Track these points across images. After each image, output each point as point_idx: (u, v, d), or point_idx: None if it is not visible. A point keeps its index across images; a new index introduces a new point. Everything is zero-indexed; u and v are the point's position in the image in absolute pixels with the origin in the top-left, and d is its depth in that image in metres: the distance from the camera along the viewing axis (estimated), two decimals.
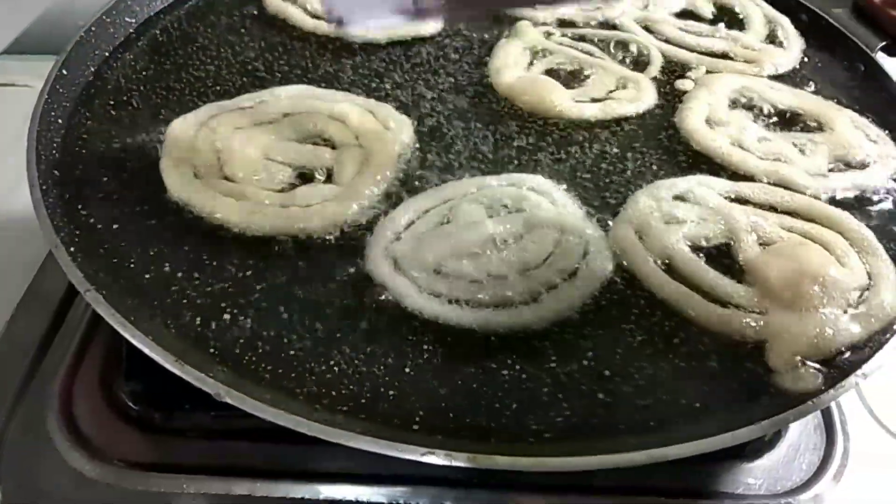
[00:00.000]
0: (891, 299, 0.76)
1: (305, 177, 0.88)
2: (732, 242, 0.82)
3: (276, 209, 0.82)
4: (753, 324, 0.74)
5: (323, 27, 1.11)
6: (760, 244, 0.81)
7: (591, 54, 1.08)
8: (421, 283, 0.76)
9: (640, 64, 1.09)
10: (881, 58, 1.10)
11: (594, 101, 1.00)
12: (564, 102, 0.99)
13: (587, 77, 1.05)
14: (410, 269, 0.77)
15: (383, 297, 0.76)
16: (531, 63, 1.07)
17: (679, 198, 0.86)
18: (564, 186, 0.88)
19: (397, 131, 0.93)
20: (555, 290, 0.76)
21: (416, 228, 0.81)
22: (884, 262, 0.81)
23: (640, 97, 1.01)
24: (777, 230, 0.83)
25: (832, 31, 1.15)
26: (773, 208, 0.86)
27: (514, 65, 1.05)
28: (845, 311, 0.75)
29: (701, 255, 0.81)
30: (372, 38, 1.09)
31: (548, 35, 1.12)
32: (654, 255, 0.80)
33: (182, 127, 0.91)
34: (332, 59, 1.07)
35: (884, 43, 1.11)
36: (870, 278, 0.79)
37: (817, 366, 0.72)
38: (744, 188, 0.88)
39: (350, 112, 0.93)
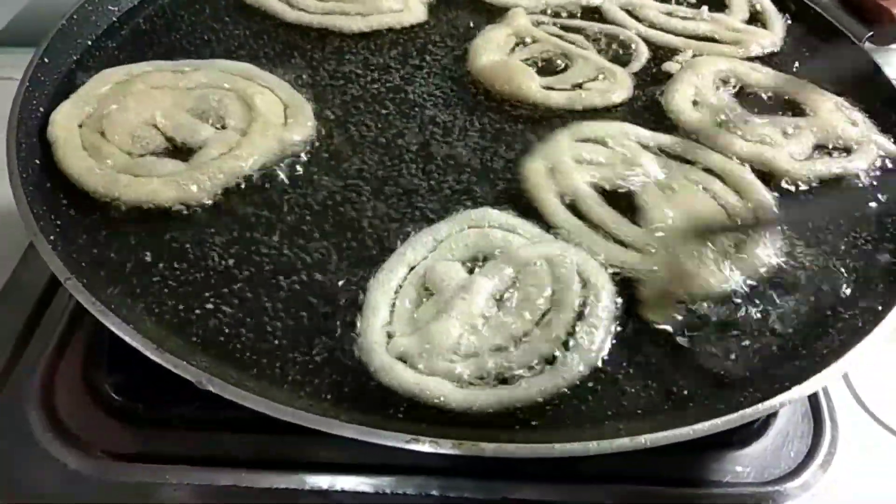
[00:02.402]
0: (763, 255, 0.81)
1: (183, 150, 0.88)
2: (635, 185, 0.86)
3: (107, 172, 0.82)
4: (644, 263, 0.77)
5: (304, 17, 1.10)
6: (662, 189, 0.86)
7: (577, 45, 1.08)
8: (447, 374, 0.68)
9: (625, 56, 1.08)
10: (868, 47, 1.10)
11: (565, 90, 1.00)
12: (532, 87, 0.98)
13: (568, 66, 1.04)
14: (426, 363, 0.68)
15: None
16: (513, 49, 1.07)
17: (597, 141, 0.90)
18: (512, 211, 0.83)
19: (291, 128, 0.90)
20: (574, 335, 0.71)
21: (401, 313, 0.73)
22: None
23: (613, 89, 1.00)
24: (680, 180, 0.87)
25: (820, 20, 1.15)
26: (679, 158, 0.91)
27: (495, 49, 1.05)
28: (725, 258, 0.79)
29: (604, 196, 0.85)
30: (357, 28, 1.09)
31: (537, 24, 1.11)
32: (560, 191, 0.83)
33: (108, 75, 0.93)
34: (314, 48, 1.06)
35: (871, 33, 1.11)
36: (750, 231, 0.83)
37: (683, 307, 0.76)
38: (663, 139, 0.92)
39: (259, 96, 0.92)
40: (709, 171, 0.90)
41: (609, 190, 0.86)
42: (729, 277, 0.77)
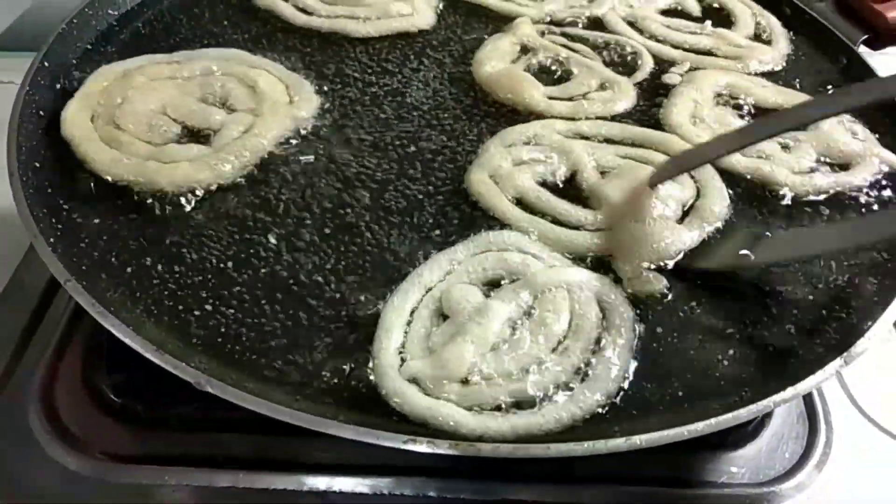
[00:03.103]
0: (718, 207, 0.85)
1: (199, 135, 0.90)
2: (576, 174, 0.88)
3: (136, 161, 0.84)
4: (598, 241, 0.80)
5: (314, 22, 1.10)
6: (601, 172, 0.88)
7: (582, 55, 1.08)
8: (460, 399, 0.66)
9: (629, 67, 1.08)
10: (863, 51, 1.11)
11: (569, 99, 1.00)
12: (536, 97, 0.99)
13: (571, 76, 1.04)
14: (439, 387, 0.67)
15: None
16: (518, 58, 1.07)
17: (526, 142, 0.92)
18: (535, 234, 0.81)
19: (298, 106, 0.94)
20: (591, 364, 0.70)
21: (415, 336, 0.71)
22: (711, 175, 0.89)
23: (616, 99, 1.00)
24: (615, 158, 0.90)
25: (815, 24, 1.15)
26: (609, 140, 0.94)
27: (499, 58, 1.05)
28: (680, 221, 0.83)
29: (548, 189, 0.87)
30: (365, 32, 1.09)
31: (543, 33, 1.12)
32: (507, 194, 0.85)
33: (106, 72, 0.95)
34: (317, 51, 1.07)
35: (865, 36, 1.12)
36: (698, 191, 0.87)
37: (657, 270, 0.79)
38: (581, 126, 0.95)
39: (261, 77, 0.96)
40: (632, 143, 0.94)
41: (556, 183, 0.88)
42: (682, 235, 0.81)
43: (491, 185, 0.86)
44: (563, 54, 1.07)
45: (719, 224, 0.84)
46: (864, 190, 0.91)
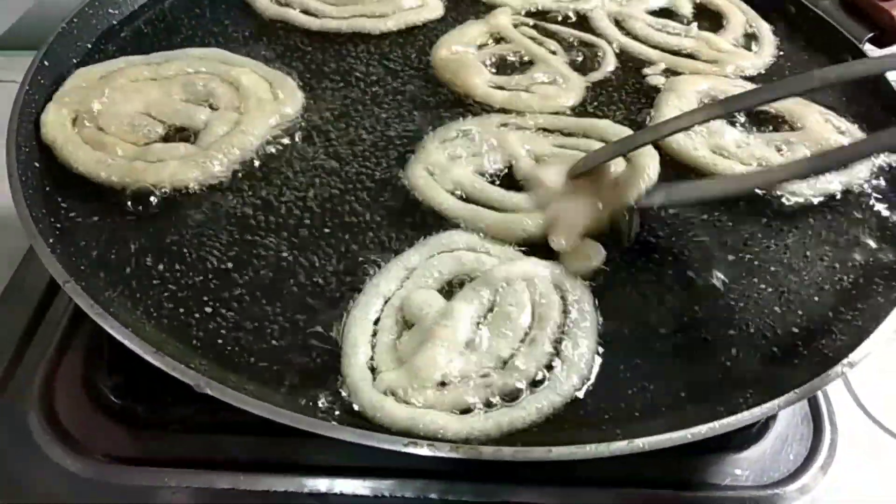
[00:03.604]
0: (652, 171, 0.86)
1: (184, 134, 0.90)
2: (512, 164, 0.88)
3: (122, 161, 0.84)
4: (531, 221, 0.81)
5: (330, 24, 1.09)
6: (536, 160, 0.89)
7: (549, 49, 1.07)
8: (439, 404, 0.66)
9: (591, 65, 1.07)
10: (868, 49, 1.10)
11: (512, 90, 1.00)
12: (477, 83, 0.99)
13: (529, 69, 1.04)
14: (416, 396, 0.66)
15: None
16: (483, 46, 1.08)
17: (463, 134, 0.92)
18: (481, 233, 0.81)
19: (283, 102, 0.94)
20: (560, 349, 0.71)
21: (383, 347, 0.71)
22: (646, 152, 0.88)
23: (559, 95, 0.99)
24: (550, 148, 0.91)
25: (820, 22, 1.14)
26: (544, 130, 0.94)
27: (463, 43, 1.06)
28: (612, 189, 0.84)
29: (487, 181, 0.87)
30: (385, 28, 1.09)
31: (517, 24, 1.12)
32: (446, 188, 0.85)
33: (86, 74, 0.94)
34: (318, 49, 1.06)
35: (871, 34, 1.11)
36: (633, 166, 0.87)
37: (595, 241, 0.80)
38: (515, 119, 0.95)
39: (243, 76, 0.95)
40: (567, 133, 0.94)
41: (493, 174, 0.88)
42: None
43: (429, 180, 0.86)
44: (527, 47, 1.07)
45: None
46: (865, 184, 0.91)
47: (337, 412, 0.66)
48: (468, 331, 0.71)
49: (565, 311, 0.74)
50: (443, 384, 0.67)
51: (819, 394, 0.87)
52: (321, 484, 0.77)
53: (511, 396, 0.67)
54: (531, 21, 1.13)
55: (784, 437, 0.84)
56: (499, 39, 1.09)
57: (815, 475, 0.81)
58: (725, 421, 0.63)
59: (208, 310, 0.73)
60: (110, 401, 0.82)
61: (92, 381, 0.84)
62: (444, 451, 0.60)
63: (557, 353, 0.71)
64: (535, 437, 0.66)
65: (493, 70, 1.04)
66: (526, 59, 1.06)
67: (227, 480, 0.76)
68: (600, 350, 0.72)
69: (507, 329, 0.71)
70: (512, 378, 0.68)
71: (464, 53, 1.05)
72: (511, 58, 1.06)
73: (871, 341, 0.71)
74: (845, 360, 0.69)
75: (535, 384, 0.69)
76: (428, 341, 0.69)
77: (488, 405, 0.67)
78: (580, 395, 0.69)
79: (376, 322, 0.73)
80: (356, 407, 0.66)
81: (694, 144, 0.94)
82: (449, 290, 0.76)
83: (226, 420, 0.78)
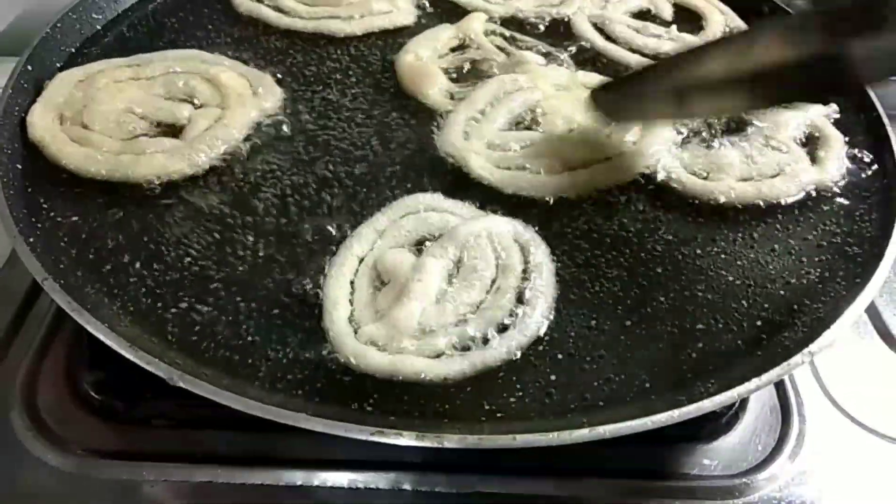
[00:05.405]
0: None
1: (168, 130, 0.93)
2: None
3: (109, 155, 0.87)
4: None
5: (297, 23, 1.11)
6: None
7: (516, 59, 1.06)
8: (417, 351, 0.71)
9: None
10: None
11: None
12: (431, 91, 1.01)
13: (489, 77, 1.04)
14: (396, 345, 0.71)
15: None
16: (453, 51, 1.09)
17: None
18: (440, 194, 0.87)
19: (262, 97, 0.97)
20: (524, 295, 0.77)
21: (361, 304, 0.76)
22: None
23: None
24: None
25: None
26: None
27: (431, 49, 1.07)
28: None
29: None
30: (350, 31, 1.11)
31: (488, 32, 1.12)
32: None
33: (68, 77, 0.97)
34: (303, 51, 1.08)
35: None
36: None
37: None
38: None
39: (222, 73, 0.98)
40: None
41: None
42: None
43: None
44: (497, 58, 1.07)
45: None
46: (834, 183, 0.93)
47: (310, 404, 0.68)
48: (439, 283, 0.76)
49: (526, 261, 0.80)
50: (421, 334, 0.73)
51: (787, 385, 0.88)
52: (298, 476, 0.78)
53: (482, 340, 0.73)
54: (505, 31, 1.13)
55: (753, 427, 0.85)
56: (463, 45, 1.10)
57: (782, 464, 0.82)
58: (684, 409, 0.64)
59: (184, 305, 0.75)
60: (91, 396, 0.84)
61: (73, 377, 0.85)
62: (410, 440, 0.62)
63: (521, 300, 0.76)
64: (502, 425, 0.67)
65: (454, 77, 1.04)
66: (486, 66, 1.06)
67: (206, 473, 0.78)
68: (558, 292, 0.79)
69: (474, 280, 0.77)
70: (482, 324, 0.74)
71: (425, 62, 1.05)
72: (482, 67, 1.06)
73: (831, 332, 0.73)
74: (805, 350, 0.71)
75: (503, 329, 0.74)
76: (403, 296, 0.74)
77: (464, 349, 0.72)
78: (551, 379, 0.72)
79: (352, 283, 0.77)
80: (341, 359, 0.71)
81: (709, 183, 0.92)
82: (419, 249, 0.80)
83: (204, 414, 0.80)
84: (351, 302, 0.76)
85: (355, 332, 0.73)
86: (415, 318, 0.73)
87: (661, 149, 0.93)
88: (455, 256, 0.79)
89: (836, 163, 0.94)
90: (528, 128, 0.97)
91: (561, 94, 1.00)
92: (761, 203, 0.90)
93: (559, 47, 1.10)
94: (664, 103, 0.88)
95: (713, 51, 0.84)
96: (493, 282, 0.77)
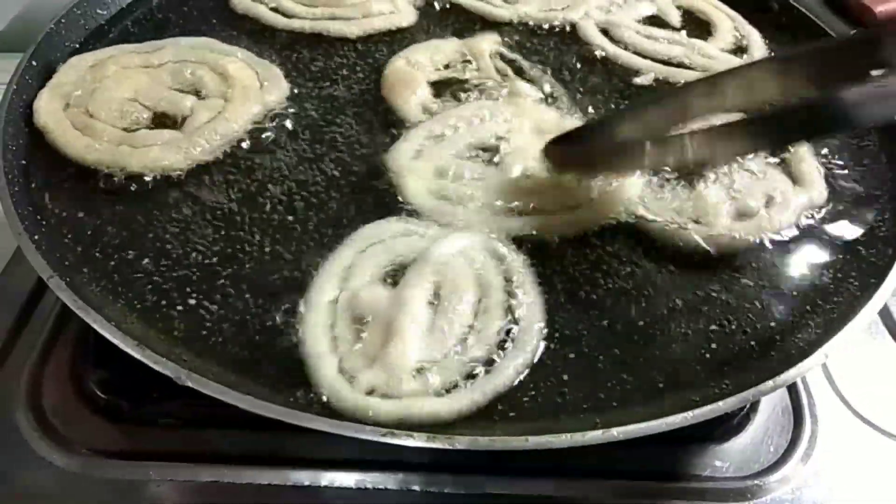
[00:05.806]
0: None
1: (171, 121, 0.92)
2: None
3: (108, 145, 0.86)
4: None
5: (295, 24, 1.10)
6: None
7: (509, 89, 1.01)
8: (422, 390, 0.67)
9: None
10: None
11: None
12: (408, 102, 0.97)
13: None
14: (398, 388, 0.66)
15: None
16: (445, 67, 1.05)
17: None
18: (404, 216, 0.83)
19: (267, 91, 0.96)
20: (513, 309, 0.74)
21: (347, 350, 0.70)
22: None
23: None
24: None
25: (803, 20, 1.15)
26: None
27: (428, 59, 1.04)
28: None
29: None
30: (349, 32, 1.09)
31: (493, 54, 1.08)
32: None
33: (77, 62, 0.97)
34: (304, 47, 1.07)
35: (854, 31, 1.12)
36: None
37: None
38: None
39: (230, 64, 0.97)
40: None
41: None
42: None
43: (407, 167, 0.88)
44: (489, 81, 1.02)
45: None
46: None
47: (319, 404, 0.67)
48: (424, 313, 0.72)
49: (506, 274, 0.77)
50: (419, 370, 0.68)
51: (800, 387, 0.88)
52: (305, 476, 0.77)
53: (486, 364, 0.70)
54: (513, 56, 1.09)
55: (765, 428, 0.85)
56: (465, 60, 1.06)
57: (795, 466, 0.82)
58: (698, 411, 0.63)
59: (192, 302, 0.74)
60: (96, 395, 0.83)
61: (78, 376, 0.85)
62: (421, 441, 0.61)
63: (512, 313, 0.74)
64: (514, 426, 0.66)
65: (436, 93, 1.00)
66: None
67: (211, 473, 0.77)
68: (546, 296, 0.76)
69: (459, 304, 0.73)
70: (480, 347, 0.70)
71: (413, 70, 1.01)
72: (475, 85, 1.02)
73: (843, 334, 0.72)
74: (820, 352, 0.70)
75: (501, 347, 0.71)
76: (390, 334, 0.69)
77: (470, 377, 0.69)
78: (563, 379, 0.71)
79: (332, 327, 0.72)
80: (347, 414, 0.65)
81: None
82: (393, 281, 0.76)
83: (210, 414, 0.79)
84: (336, 351, 0.70)
85: (350, 383, 0.67)
86: (410, 354, 0.68)
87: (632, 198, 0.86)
88: (432, 282, 0.74)
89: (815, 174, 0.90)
90: (489, 161, 0.89)
91: (535, 138, 0.91)
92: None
93: (570, 89, 1.04)
94: (616, 157, 0.83)
95: (652, 108, 0.87)
96: (481, 301, 0.74)
